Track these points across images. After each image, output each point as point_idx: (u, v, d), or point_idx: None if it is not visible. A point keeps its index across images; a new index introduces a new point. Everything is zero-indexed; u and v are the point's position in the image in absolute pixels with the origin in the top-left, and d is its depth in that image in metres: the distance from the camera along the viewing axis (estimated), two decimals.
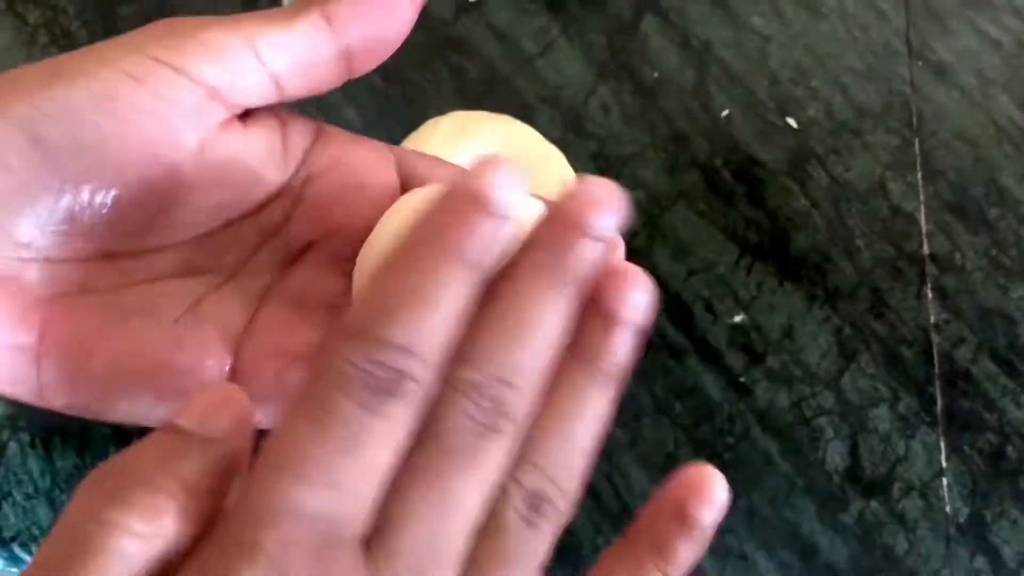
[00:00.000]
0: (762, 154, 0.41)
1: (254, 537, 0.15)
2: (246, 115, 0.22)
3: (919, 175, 0.40)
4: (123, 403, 0.21)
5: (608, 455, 0.37)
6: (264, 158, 0.22)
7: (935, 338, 0.38)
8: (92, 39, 0.41)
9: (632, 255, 0.35)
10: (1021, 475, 0.36)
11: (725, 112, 0.41)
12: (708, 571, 0.35)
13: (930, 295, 0.38)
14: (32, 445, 0.38)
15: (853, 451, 0.36)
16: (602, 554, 0.20)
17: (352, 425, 0.16)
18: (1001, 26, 0.42)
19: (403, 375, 0.16)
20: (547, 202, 0.20)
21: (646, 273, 0.19)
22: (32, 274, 0.20)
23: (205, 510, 0.16)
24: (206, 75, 0.20)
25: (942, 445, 0.36)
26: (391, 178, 0.23)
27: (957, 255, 0.39)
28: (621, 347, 0.19)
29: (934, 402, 0.37)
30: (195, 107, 0.20)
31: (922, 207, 0.39)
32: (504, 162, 0.18)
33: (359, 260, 0.23)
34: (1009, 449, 0.36)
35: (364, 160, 0.23)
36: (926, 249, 0.39)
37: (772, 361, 0.38)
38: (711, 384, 0.37)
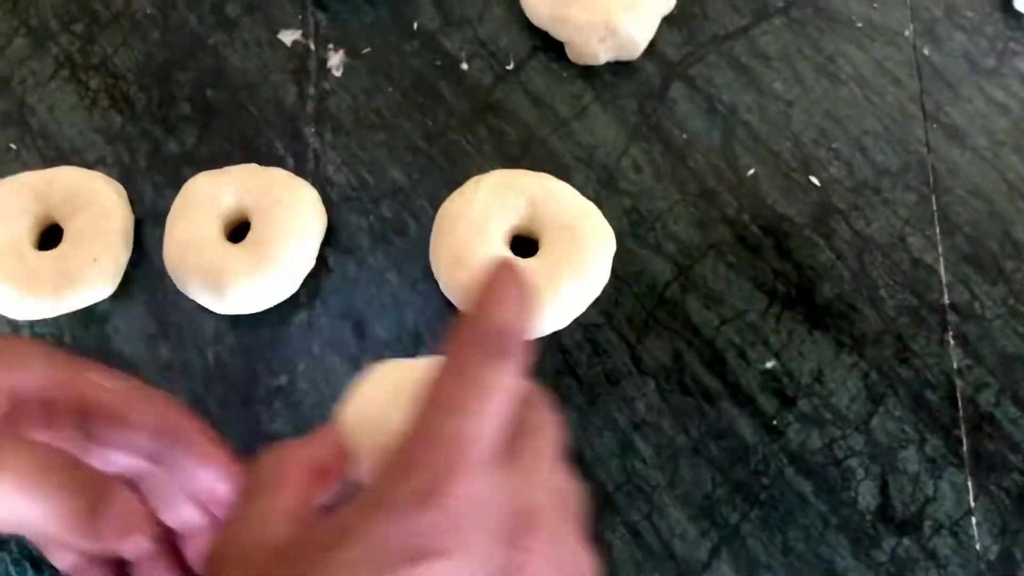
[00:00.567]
0: (787, 210, 0.46)
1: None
2: None
3: (937, 229, 0.45)
4: None
5: (648, 495, 0.41)
6: None
7: (958, 383, 0.43)
8: (150, 104, 0.48)
9: (665, 304, 0.41)
10: None
11: (751, 171, 0.47)
12: None
13: (952, 342, 0.43)
14: None
15: (884, 491, 0.41)
16: None
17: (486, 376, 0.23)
18: (1008, 92, 0.48)
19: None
20: None
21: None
22: None
23: None
24: None
25: (970, 485, 0.41)
26: None
27: (976, 304, 0.44)
28: None
29: (960, 444, 0.42)
30: None
31: (941, 259, 0.45)
32: None
33: (346, 421, 0.31)
34: None
35: None
36: (946, 299, 0.44)
37: (803, 405, 0.42)
38: (745, 427, 0.42)
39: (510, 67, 0.51)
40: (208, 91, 0.51)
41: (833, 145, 0.48)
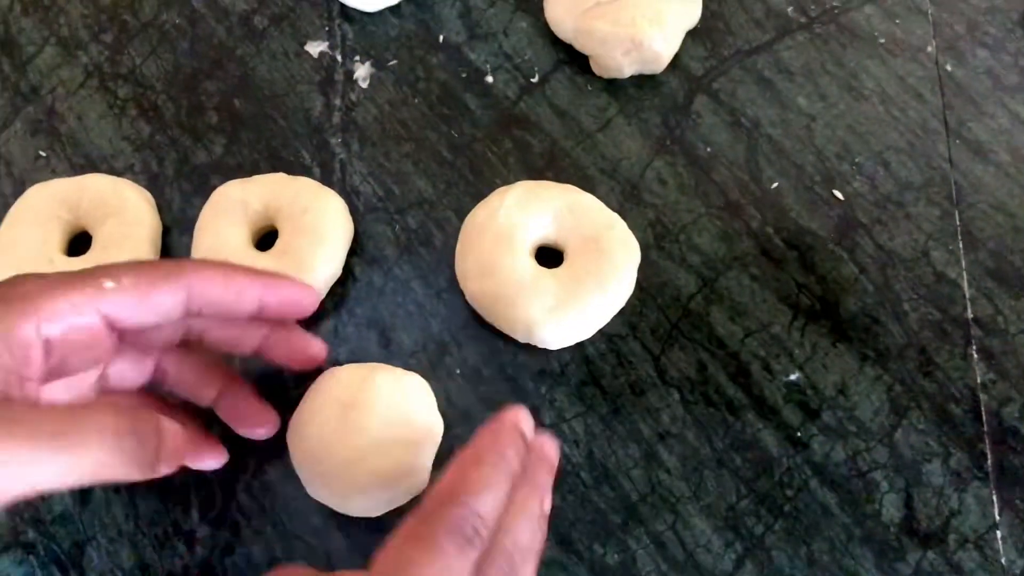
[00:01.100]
0: (811, 223, 0.47)
1: None
2: None
3: (960, 244, 0.46)
4: None
5: (672, 506, 0.42)
6: None
7: (983, 397, 0.43)
8: (178, 113, 0.49)
9: (689, 316, 0.42)
10: None
11: (775, 184, 0.48)
12: None
13: (976, 356, 0.44)
14: (116, 490, 0.44)
15: (908, 504, 0.41)
16: None
17: (452, 556, 0.29)
18: None
19: (478, 533, 0.30)
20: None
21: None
22: None
23: None
24: None
25: (995, 499, 0.42)
26: None
27: (1000, 319, 0.45)
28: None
29: (985, 458, 0.42)
30: None
31: (964, 274, 0.46)
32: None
33: (292, 425, 0.42)
34: None
35: None
36: (970, 313, 0.45)
37: (827, 417, 0.43)
38: (769, 439, 0.43)
39: (535, 80, 0.52)
40: (235, 101, 0.52)
41: (856, 159, 0.49)
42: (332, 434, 0.40)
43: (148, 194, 0.49)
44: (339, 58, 0.53)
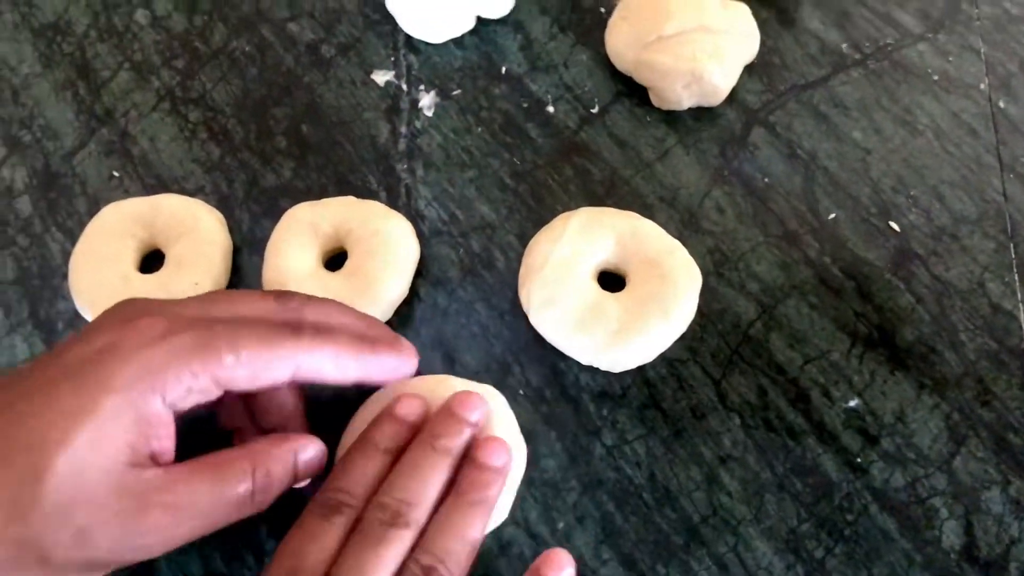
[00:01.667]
0: (867, 254, 0.49)
1: None
2: None
3: (1016, 276, 0.48)
4: None
5: (734, 528, 0.43)
6: None
7: None
8: (247, 137, 0.51)
9: (749, 342, 0.44)
10: None
11: (832, 215, 0.50)
12: None
13: None
14: None
15: (968, 531, 0.43)
16: None
17: (313, 527, 0.35)
18: None
19: (341, 503, 0.35)
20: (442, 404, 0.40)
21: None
22: None
23: None
24: None
25: None
26: None
27: None
28: (484, 484, 0.37)
29: None
30: None
31: (1020, 305, 0.47)
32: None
33: (344, 437, 0.42)
34: None
35: None
36: None
37: (886, 443, 0.44)
38: (829, 464, 0.44)
39: (595, 110, 0.54)
40: (303, 126, 0.55)
41: (911, 192, 0.50)
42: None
43: (219, 214, 0.52)
44: (404, 87, 0.56)
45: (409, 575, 0.34)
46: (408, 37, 0.57)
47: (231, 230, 0.52)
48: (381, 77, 0.56)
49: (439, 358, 0.48)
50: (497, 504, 0.40)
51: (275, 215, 0.50)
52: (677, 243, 0.48)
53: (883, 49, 0.55)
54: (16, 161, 0.55)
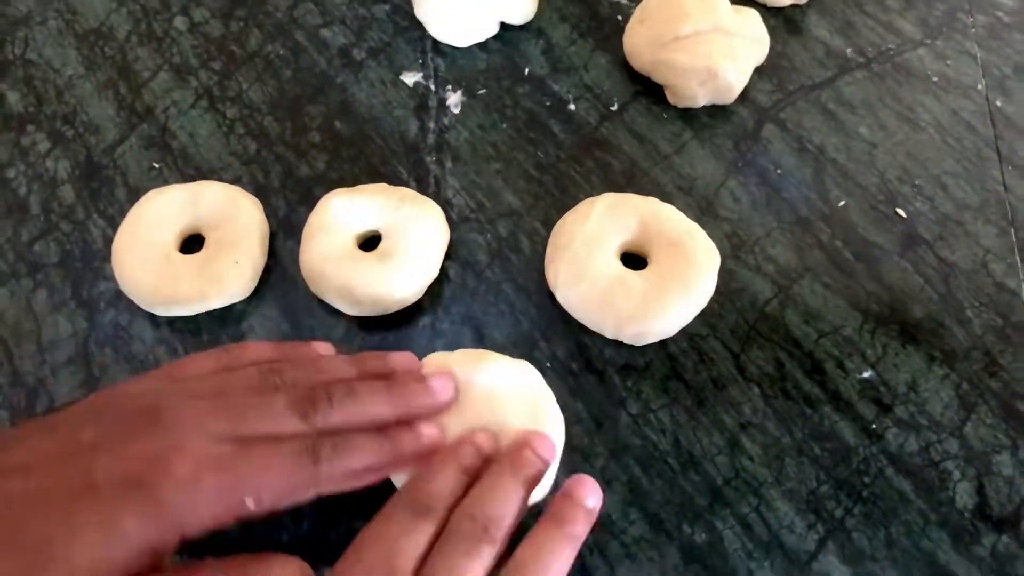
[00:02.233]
0: (876, 238, 0.52)
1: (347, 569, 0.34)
2: None
3: (1018, 258, 0.51)
4: None
5: (756, 490, 0.45)
6: None
7: None
8: (283, 133, 0.55)
9: (766, 319, 0.46)
10: None
11: (841, 203, 0.53)
12: None
13: None
14: None
15: (980, 491, 0.45)
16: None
17: (405, 523, 0.35)
18: None
19: (431, 507, 0.36)
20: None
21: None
22: None
23: None
24: None
25: None
26: None
27: None
28: (580, 520, 0.37)
29: None
30: None
31: (1023, 284, 0.50)
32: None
33: None
34: None
35: None
36: None
37: (900, 411, 0.47)
38: (846, 430, 0.47)
39: (614, 108, 0.58)
40: (336, 123, 0.58)
41: (916, 182, 0.54)
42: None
43: (257, 200, 0.55)
44: (432, 87, 0.59)
45: None
46: (435, 42, 0.61)
47: (268, 216, 0.55)
48: (410, 78, 0.60)
49: (469, 334, 0.51)
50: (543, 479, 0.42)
51: (310, 203, 0.54)
52: (696, 225, 0.51)
53: (885, 53, 0.59)
54: (59, 154, 0.58)
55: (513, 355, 0.48)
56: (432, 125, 0.58)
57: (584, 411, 0.48)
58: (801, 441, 0.47)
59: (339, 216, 0.52)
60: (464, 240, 0.54)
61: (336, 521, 0.44)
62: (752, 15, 0.58)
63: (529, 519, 0.37)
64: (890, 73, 0.58)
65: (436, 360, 0.46)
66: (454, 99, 0.59)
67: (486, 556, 0.35)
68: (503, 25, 0.61)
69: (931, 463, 0.46)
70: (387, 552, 0.34)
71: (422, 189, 0.55)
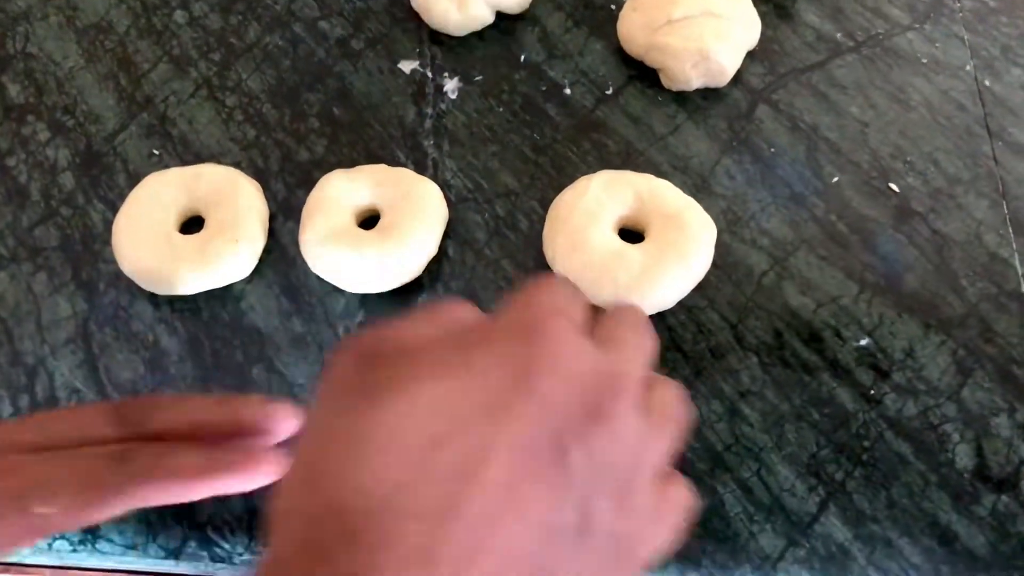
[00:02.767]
0: (870, 211, 0.53)
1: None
2: None
3: (1010, 229, 0.52)
4: None
5: (756, 455, 0.46)
6: None
7: None
8: (282, 120, 0.56)
9: (763, 290, 0.47)
10: None
11: (835, 179, 0.55)
12: (857, 555, 0.43)
13: None
14: None
15: (979, 453, 0.46)
16: None
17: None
18: None
19: None
20: None
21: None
22: None
23: None
24: None
25: None
26: None
27: None
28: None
29: None
30: None
31: (1016, 254, 0.52)
32: None
33: None
34: None
35: None
36: (1023, 288, 0.51)
37: (897, 377, 0.48)
38: (844, 396, 0.48)
39: (609, 92, 0.59)
40: (335, 109, 0.60)
41: (908, 158, 0.55)
42: None
43: (256, 183, 0.56)
44: (430, 74, 0.61)
45: None
46: (432, 31, 0.63)
47: (267, 200, 0.56)
48: (407, 66, 0.61)
49: None
50: None
51: (309, 186, 0.55)
52: (692, 200, 0.52)
53: (875, 38, 0.61)
54: (60, 143, 0.59)
55: None
56: (430, 110, 0.59)
57: None
58: (800, 407, 0.48)
59: (338, 194, 0.53)
60: (462, 219, 0.55)
61: None
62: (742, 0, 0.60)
63: None
64: (880, 56, 0.60)
65: None
66: (451, 85, 0.60)
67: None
68: (499, 14, 0.63)
69: (930, 426, 0.47)
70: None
71: (420, 171, 0.56)
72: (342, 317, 0.51)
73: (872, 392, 0.48)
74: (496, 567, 0.22)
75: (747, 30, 0.59)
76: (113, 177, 0.58)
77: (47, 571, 0.49)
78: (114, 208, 0.55)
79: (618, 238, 0.51)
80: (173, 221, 0.54)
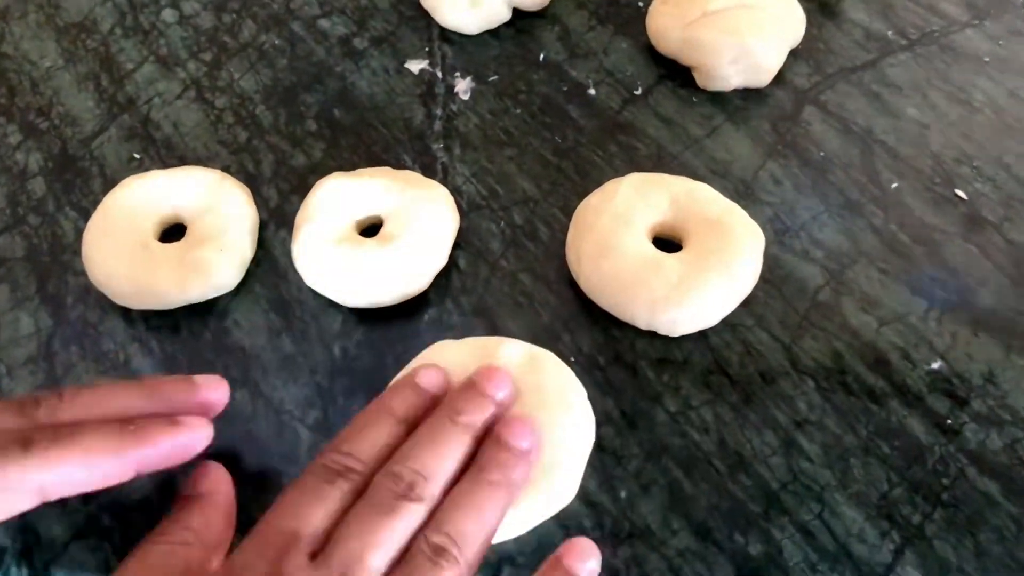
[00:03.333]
0: (935, 221, 0.48)
1: (248, 542, 0.31)
2: None
3: None
4: None
5: (818, 495, 0.40)
6: None
7: None
8: (276, 122, 0.51)
9: (818, 307, 0.42)
10: None
11: (894, 185, 0.49)
12: None
13: None
14: None
15: None
16: None
17: (316, 489, 0.32)
18: None
19: (349, 468, 0.33)
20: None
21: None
22: None
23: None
24: None
25: None
26: None
27: None
28: (507, 464, 0.34)
29: None
30: None
31: None
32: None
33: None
34: None
35: None
36: None
37: (977, 405, 0.42)
38: (917, 426, 0.42)
39: (638, 92, 0.54)
40: (335, 111, 0.55)
41: (975, 163, 0.50)
42: None
43: (245, 187, 0.50)
44: (440, 74, 0.56)
45: (416, 552, 0.31)
46: (442, 29, 0.58)
47: (258, 208, 0.50)
48: (415, 66, 0.57)
49: (481, 327, 0.46)
50: (560, 485, 0.37)
51: (304, 192, 0.49)
52: (735, 204, 0.47)
53: (930, 35, 0.56)
54: (31, 146, 0.54)
55: None
56: (439, 112, 0.54)
57: (615, 409, 0.43)
58: (867, 439, 0.41)
59: (337, 199, 0.48)
60: (475, 228, 0.49)
61: None
62: None
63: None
64: (937, 55, 0.55)
65: (440, 350, 0.41)
66: (463, 85, 0.55)
67: (408, 516, 0.31)
68: (515, 12, 0.58)
69: (1020, 462, 0.41)
70: (292, 521, 0.31)
71: (429, 176, 0.51)
72: (338, 336, 0.46)
73: (949, 422, 0.42)
74: None
75: (790, 25, 0.54)
76: (88, 183, 0.52)
77: None
78: (87, 216, 0.50)
79: (651, 245, 0.45)
80: (151, 228, 0.48)
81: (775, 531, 0.39)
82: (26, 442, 0.31)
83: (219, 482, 0.37)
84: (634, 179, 0.47)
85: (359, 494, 0.32)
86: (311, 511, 0.31)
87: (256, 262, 0.49)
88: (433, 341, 0.43)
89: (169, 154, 0.53)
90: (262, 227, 0.50)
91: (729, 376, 0.44)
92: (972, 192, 0.49)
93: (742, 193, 0.50)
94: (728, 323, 0.45)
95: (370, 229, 0.48)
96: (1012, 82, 0.53)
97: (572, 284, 0.46)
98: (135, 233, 0.47)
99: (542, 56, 0.57)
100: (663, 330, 0.44)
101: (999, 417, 0.42)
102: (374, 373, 0.44)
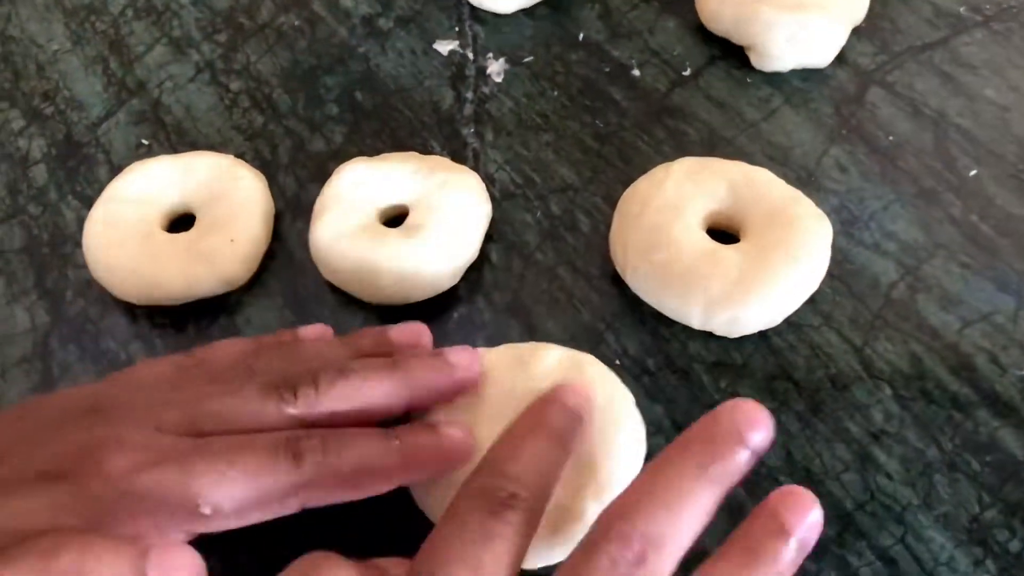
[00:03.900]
0: (1021, 210, 0.43)
1: None
2: None
3: None
4: None
5: (899, 516, 0.35)
6: None
7: None
8: (295, 105, 0.47)
9: (893, 305, 0.37)
10: None
11: (972, 172, 0.45)
12: None
13: None
14: None
15: None
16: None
17: (484, 523, 0.26)
18: None
19: (515, 495, 0.27)
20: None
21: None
22: None
23: None
24: None
25: None
26: None
27: None
28: (787, 556, 0.25)
29: None
30: None
31: None
32: None
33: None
34: None
35: None
36: None
37: None
38: (1010, 439, 0.37)
39: (687, 73, 0.50)
40: (357, 94, 0.51)
41: None
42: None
43: (260, 174, 0.47)
44: (471, 55, 0.52)
45: None
46: (473, 8, 0.54)
47: (274, 196, 0.47)
48: (444, 47, 0.53)
49: (516, 326, 0.42)
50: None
51: (323, 179, 0.45)
52: (799, 192, 0.42)
53: (1007, 11, 0.51)
54: (35, 132, 0.51)
55: (574, 348, 0.39)
56: (470, 95, 0.50)
57: (666, 418, 0.38)
58: (953, 454, 0.37)
59: (358, 187, 0.44)
60: (508, 219, 0.45)
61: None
62: None
63: None
64: (1016, 31, 0.50)
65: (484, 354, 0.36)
66: (496, 67, 0.51)
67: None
68: None
69: None
70: (464, 569, 0.25)
71: (458, 163, 0.47)
72: None
73: None
74: None
75: (853, 1, 0.49)
76: (93, 170, 0.49)
77: None
78: (91, 205, 0.46)
79: (706, 236, 0.41)
80: (158, 218, 0.45)
81: (851, 558, 0.35)
82: (296, 451, 0.30)
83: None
84: (686, 164, 0.43)
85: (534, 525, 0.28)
86: (484, 555, 0.26)
87: (270, 255, 0.45)
88: (463, 342, 0.38)
89: (180, 140, 0.50)
90: (277, 217, 0.46)
91: (795, 382, 0.39)
92: None
93: (804, 180, 0.45)
94: (791, 323, 0.40)
95: (394, 219, 0.44)
96: None
97: (616, 280, 0.42)
98: (140, 223, 0.44)
99: (581, 36, 0.52)
100: (720, 331, 0.40)
101: None
102: None
